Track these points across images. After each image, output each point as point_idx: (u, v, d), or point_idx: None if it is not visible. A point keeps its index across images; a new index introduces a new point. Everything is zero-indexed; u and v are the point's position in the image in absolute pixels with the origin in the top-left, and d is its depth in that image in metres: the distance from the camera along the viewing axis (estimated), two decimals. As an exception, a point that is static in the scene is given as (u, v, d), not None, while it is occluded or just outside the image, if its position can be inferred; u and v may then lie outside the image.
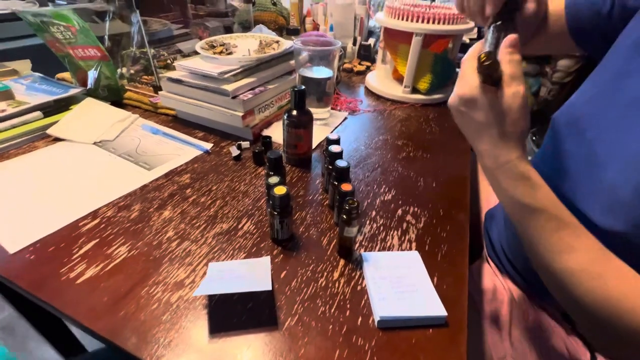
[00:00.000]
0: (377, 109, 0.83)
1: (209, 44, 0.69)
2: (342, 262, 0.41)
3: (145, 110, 0.75)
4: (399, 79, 0.91)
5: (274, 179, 0.43)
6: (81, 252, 0.40)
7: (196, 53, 0.67)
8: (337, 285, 0.38)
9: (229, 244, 0.43)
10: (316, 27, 1.24)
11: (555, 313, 0.51)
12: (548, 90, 1.75)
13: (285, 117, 0.55)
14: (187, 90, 0.65)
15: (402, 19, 0.78)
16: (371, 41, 1.13)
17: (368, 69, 1.07)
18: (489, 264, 0.58)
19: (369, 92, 0.92)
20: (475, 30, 1.10)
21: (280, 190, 0.39)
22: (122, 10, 0.79)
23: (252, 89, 0.65)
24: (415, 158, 0.63)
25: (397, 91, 0.87)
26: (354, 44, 1.13)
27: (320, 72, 0.68)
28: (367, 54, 1.11)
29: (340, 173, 0.46)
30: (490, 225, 0.61)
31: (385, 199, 0.52)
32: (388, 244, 0.45)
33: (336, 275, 0.40)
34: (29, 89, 0.70)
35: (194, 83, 0.64)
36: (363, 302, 0.37)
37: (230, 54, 0.67)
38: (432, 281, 0.39)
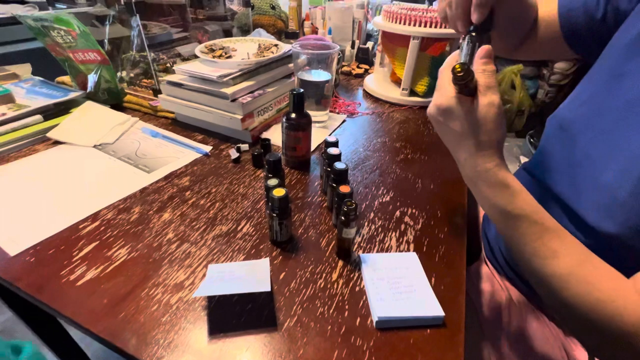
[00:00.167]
0: (375, 112, 0.83)
1: (209, 48, 0.70)
2: (340, 263, 0.42)
3: (145, 114, 0.76)
4: (396, 81, 0.92)
5: (273, 181, 0.43)
6: (81, 254, 0.41)
7: (196, 56, 0.67)
8: (335, 286, 0.39)
9: (228, 245, 0.43)
10: (315, 31, 1.24)
11: (553, 314, 0.51)
12: (545, 92, 1.76)
13: (284, 119, 0.55)
14: (187, 93, 0.66)
15: (400, 23, 0.78)
16: (369, 44, 1.14)
17: (366, 71, 1.07)
18: (487, 265, 0.59)
19: (367, 95, 0.93)
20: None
21: (279, 193, 0.40)
22: (122, 14, 0.80)
23: (251, 92, 0.65)
24: (413, 160, 0.64)
25: (395, 94, 0.88)
26: (352, 47, 1.14)
27: (319, 75, 0.68)
28: (365, 57, 1.11)
29: (338, 175, 0.46)
30: (488, 227, 0.62)
31: (384, 200, 0.53)
32: (386, 245, 0.45)
33: (335, 276, 0.40)
34: (29, 92, 0.71)
35: (193, 86, 0.64)
36: (361, 302, 0.37)
37: (229, 57, 0.67)
38: (430, 282, 0.39)
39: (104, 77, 0.72)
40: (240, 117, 0.62)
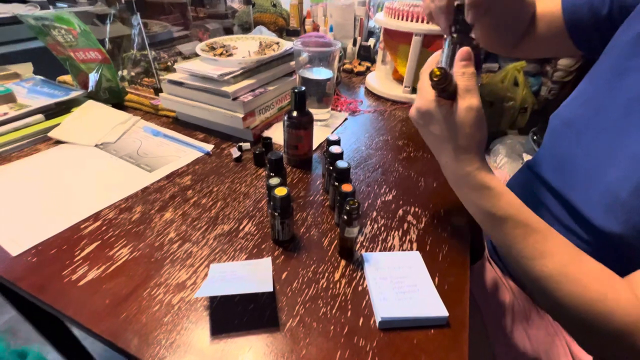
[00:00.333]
0: (378, 110, 0.83)
1: (209, 46, 0.69)
2: (343, 262, 0.41)
3: (146, 113, 0.75)
4: (399, 79, 0.91)
5: (274, 180, 0.43)
6: (83, 254, 0.41)
7: (196, 55, 0.67)
8: (338, 286, 0.39)
9: (230, 245, 0.43)
10: (316, 28, 1.24)
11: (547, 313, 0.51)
12: (549, 89, 1.74)
13: (285, 118, 0.55)
14: (188, 92, 0.66)
15: (402, 20, 0.78)
16: (371, 42, 1.13)
17: (368, 69, 1.07)
18: (490, 264, 0.58)
19: (369, 93, 0.92)
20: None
21: (281, 192, 0.39)
22: (122, 13, 0.79)
23: (253, 90, 0.65)
24: (416, 158, 0.63)
25: (397, 91, 0.87)
26: (354, 44, 1.13)
27: (320, 73, 0.68)
28: (367, 55, 1.11)
29: (340, 174, 0.46)
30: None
31: (386, 199, 0.52)
32: (389, 244, 0.45)
33: (337, 276, 0.40)
34: (30, 92, 0.70)
35: (194, 85, 0.64)
36: (364, 302, 0.37)
37: (230, 55, 0.67)
38: (434, 281, 0.39)
39: (105, 76, 0.72)
40: (241, 115, 0.61)
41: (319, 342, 0.33)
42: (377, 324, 0.35)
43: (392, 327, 0.34)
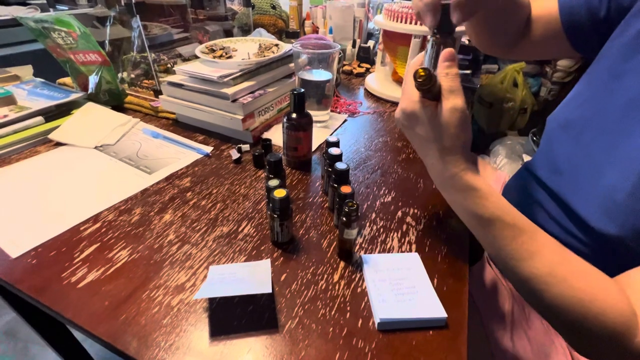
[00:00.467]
0: (377, 111, 0.83)
1: (209, 48, 0.70)
2: (342, 264, 0.41)
3: (145, 114, 0.76)
4: (398, 80, 0.91)
5: (274, 182, 0.43)
6: (82, 256, 0.41)
7: (196, 57, 0.67)
8: (337, 287, 0.39)
9: (230, 247, 0.43)
10: (315, 30, 1.24)
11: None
12: (548, 90, 1.74)
13: (285, 120, 0.55)
14: (188, 94, 0.66)
15: (401, 21, 0.78)
16: (370, 43, 1.13)
17: (367, 71, 1.07)
18: (490, 265, 0.58)
19: (369, 94, 0.92)
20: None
21: (280, 193, 0.40)
22: (122, 15, 0.80)
23: (252, 92, 0.65)
24: (415, 160, 0.63)
25: (396, 93, 0.87)
26: (353, 46, 1.14)
27: (320, 75, 0.68)
28: (366, 56, 1.11)
29: (339, 175, 0.46)
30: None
31: (385, 200, 0.52)
32: (388, 245, 0.45)
33: (336, 277, 0.40)
34: (30, 94, 0.71)
35: (194, 87, 0.64)
36: (363, 304, 0.37)
37: (230, 57, 0.67)
38: (432, 283, 0.39)
39: (104, 78, 0.73)
40: (241, 117, 0.61)
41: (318, 344, 0.33)
42: (376, 326, 0.35)
43: (391, 328, 0.34)
